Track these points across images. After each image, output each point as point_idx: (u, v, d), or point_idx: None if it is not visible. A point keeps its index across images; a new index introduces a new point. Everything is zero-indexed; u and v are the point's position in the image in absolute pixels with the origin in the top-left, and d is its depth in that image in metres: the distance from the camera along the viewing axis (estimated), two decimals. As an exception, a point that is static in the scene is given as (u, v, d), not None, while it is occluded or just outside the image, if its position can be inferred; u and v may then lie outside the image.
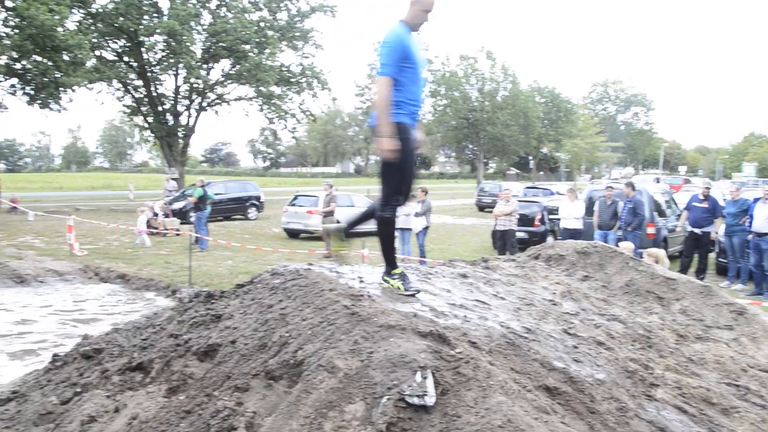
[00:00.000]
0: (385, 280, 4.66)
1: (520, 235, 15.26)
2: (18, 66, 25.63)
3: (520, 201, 16.90)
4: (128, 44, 31.80)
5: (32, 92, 26.67)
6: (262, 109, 35.32)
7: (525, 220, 16.11)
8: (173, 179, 29.81)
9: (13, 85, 26.84)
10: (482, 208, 33.23)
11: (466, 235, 21.22)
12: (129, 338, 5.22)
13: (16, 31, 23.82)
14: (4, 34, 24.71)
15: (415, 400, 3.05)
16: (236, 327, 4.16)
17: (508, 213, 14.31)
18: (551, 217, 16.52)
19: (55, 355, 5.56)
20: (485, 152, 58.56)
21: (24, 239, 17.97)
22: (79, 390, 4.52)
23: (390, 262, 4.67)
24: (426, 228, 14.34)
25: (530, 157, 74.10)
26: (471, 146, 59.48)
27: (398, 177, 4.44)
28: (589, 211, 14.37)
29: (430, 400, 3.07)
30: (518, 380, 3.44)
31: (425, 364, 3.23)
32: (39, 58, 25.41)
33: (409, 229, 14.23)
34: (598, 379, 3.76)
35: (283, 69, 34.20)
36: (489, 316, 4.33)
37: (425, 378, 3.14)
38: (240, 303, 4.54)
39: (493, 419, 2.93)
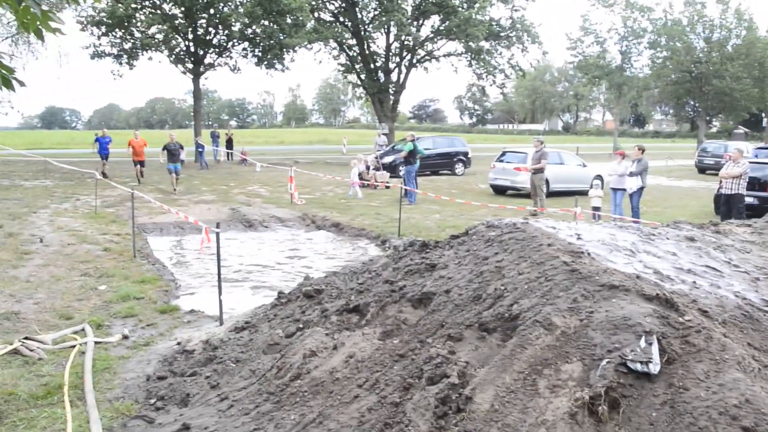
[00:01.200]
0: None
1: (748, 200, 13.70)
2: (249, 31, 28.25)
3: (751, 162, 15.14)
4: (343, 5, 33.28)
5: (260, 54, 29.32)
6: (470, 65, 35.12)
7: (756, 184, 14.42)
8: (384, 134, 30.94)
9: (245, 49, 29.84)
10: (703, 170, 30.43)
11: (683, 198, 19.56)
12: (346, 282, 5.55)
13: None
14: (239, 3, 27.27)
15: (638, 367, 2.88)
16: (451, 277, 4.20)
17: (736, 175, 12.86)
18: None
19: (280, 292, 6.09)
20: (709, 109, 52.80)
21: (252, 188, 19.90)
22: (301, 326, 4.90)
23: None
24: (641, 188, 13.40)
25: (763, 115, 65.70)
26: (692, 102, 54.04)
27: None
28: None
29: (654, 367, 2.88)
30: (757, 357, 3.10)
31: (650, 329, 3.03)
32: (266, 23, 27.72)
33: (623, 189, 13.42)
34: None
35: (493, 23, 33.57)
36: (721, 285, 3.95)
37: (650, 344, 2.95)
38: (455, 254, 4.58)
39: (727, 397, 2.68)
